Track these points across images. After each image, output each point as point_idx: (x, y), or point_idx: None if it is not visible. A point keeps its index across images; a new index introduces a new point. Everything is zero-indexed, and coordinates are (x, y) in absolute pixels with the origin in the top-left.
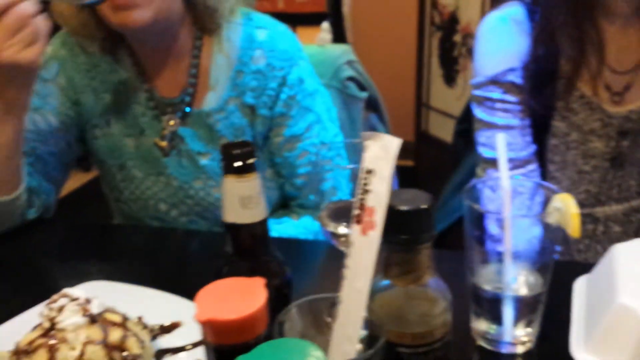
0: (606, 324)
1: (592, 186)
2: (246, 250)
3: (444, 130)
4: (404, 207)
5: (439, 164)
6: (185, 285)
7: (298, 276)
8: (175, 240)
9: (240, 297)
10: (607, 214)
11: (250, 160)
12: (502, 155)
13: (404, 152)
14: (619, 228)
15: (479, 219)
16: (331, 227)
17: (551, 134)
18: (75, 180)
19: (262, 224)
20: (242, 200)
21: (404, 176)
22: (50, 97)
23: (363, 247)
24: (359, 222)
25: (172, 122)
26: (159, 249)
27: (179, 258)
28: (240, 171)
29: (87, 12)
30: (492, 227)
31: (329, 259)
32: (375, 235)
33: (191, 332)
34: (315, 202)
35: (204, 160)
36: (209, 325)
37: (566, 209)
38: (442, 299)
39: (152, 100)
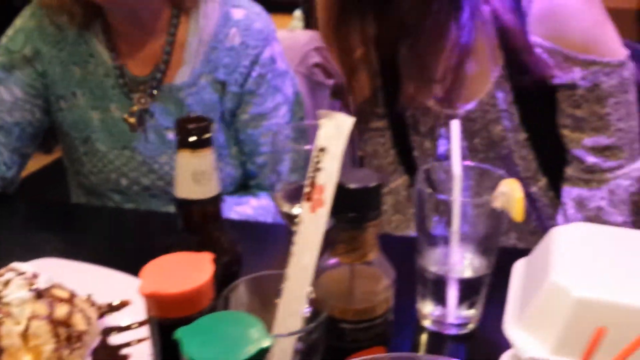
0: (538, 302)
1: None
2: (197, 225)
3: None
4: (352, 185)
5: None
6: (139, 264)
7: (250, 257)
8: (133, 220)
9: (186, 271)
10: None
11: (205, 135)
12: (455, 141)
13: None
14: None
15: (429, 202)
16: (285, 207)
17: (412, 147)
18: (37, 162)
19: (215, 200)
20: (195, 175)
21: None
22: (15, 68)
23: (311, 224)
24: (308, 199)
25: (142, 100)
26: (115, 229)
27: (134, 237)
28: (194, 146)
29: None
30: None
31: (283, 241)
32: (323, 213)
33: (141, 311)
34: (273, 183)
35: (171, 135)
36: (151, 299)
37: (511, 193)
38: (385, 277)
39: (122, 77)
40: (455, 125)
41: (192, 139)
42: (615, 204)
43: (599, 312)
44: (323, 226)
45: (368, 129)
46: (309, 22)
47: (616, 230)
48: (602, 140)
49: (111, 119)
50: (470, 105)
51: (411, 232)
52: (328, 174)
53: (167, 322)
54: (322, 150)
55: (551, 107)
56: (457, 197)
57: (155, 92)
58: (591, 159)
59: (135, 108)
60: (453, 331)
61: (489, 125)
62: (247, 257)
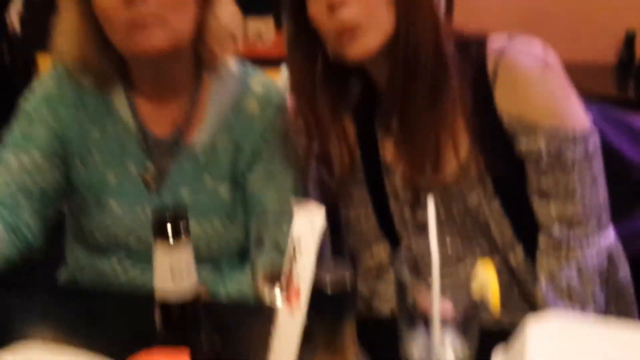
0: None
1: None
2: (175, 320)
3: None
4: (327, 288)
5: None
6: (125, 350)
7: (230, 343)
8: (121, 303)
9: None
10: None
11: (183, 227)
12: (431, 219)
13: None
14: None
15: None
16: (266, 290)
17: (393, 216)
18: None
19: (192, 296)
20: (172, 269)
21: None
22: (34, 133)
23: (288, 318)
24: (285, 289)
25: (161, 160)
26: (101, 312)
27: (121, 322)
28: (172, 238)
29: (92, 41)
30: None
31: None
32: (299, 305)
33: None
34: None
35: (185, 195)
36: None
37: (486, 279)
38: None
39: (143, 137)
40: (430, 205)
41: (169, 230)
42: (584, 283)
43: None
44: (300, 320)
45: (350, 195)
46: None
47: (589, 323)
48: (568, 209)
49: (127, 177)
50: (450, 171)
51: (390, 299)
52: (303, 267)
53: None
54: (297, 240)
55: (522, 175)
56: (436, 281)
57: (172, 151)
58: (557, 230)
59: (152, 167)
60: None
61: (464, 194)
62: (227, 342)
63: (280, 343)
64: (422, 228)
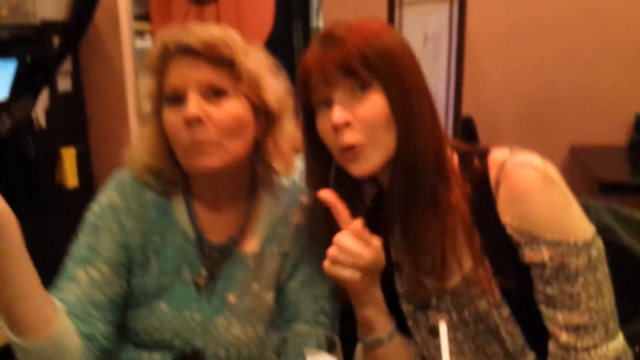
0: None
1: (453, 358)
2: None
3: None
4: None
5: None
6: None
7: None
8: None
9: None
10: None
11: None
12: (444, 344)
13: None
14: None
15: None
16: None
17: (404, 316)
18: None
19: None
20: None
21: None
22: (101, 245)
23: None
24: None
25: (214, 266)
26: None
27: None
28: None
29: (164, 152)
30: None
31: None
32: None
33: None
34: None
35: (232, 299)
36: None
37: None
38: None
39: (200, 244)
40: (442, 328)
41: None
42: None
43: None
44: None
45: None
46: None
47: None
48: (575, 318)
49: (180, 282)
50: (455, 280)
51: None
52: None
53: None
54: None
55: (529, 283)
56: None
57: (225, 258)
58: (565, 337)
59: (205, 272)
60: None
61: (475, 300)
62: None
63: None
64: (433, 332)
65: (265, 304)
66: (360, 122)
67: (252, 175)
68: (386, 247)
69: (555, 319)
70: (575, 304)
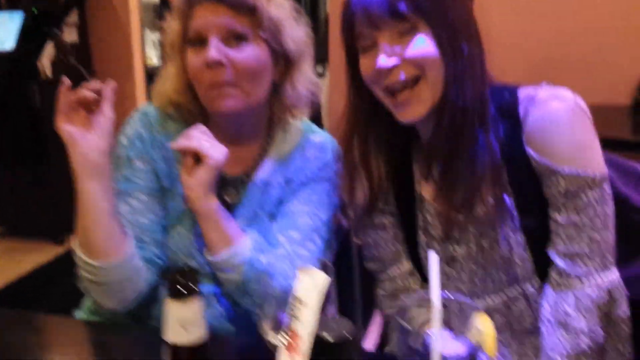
0: None
1: (463, 285)
2: None
3: None
4: (329, 337)
5: None
6: None
7: None
8: (130, 338)
9: None
10: (488, 305)
11: (193, 286)
12: (434, 273)
13: None
14: (502, 318)
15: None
16: (270, 336)
17: (417, 245)
18: (48, 253)
19: (202, 347)
20: (183, 323)
21: None
22: (135, 174)
23: None
24: (287, 347)
25: (226, 196)
26: (110, 347)
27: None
28: (183, 296)
29: (186, 89)
30: None
31: None
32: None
33: None
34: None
35: (240, 225)
36: None
37: (484, 330)
38: None
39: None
40: (433, 258)
41: (181, 290)
42: (580, 311)
43: None
44: None
45: (371, 224)
46: (314, 121)
47: None
48: (574, 248)
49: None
50: (481, 211)
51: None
52: (305, 325)
53: None
54: (299, 302)
55: (546, 213)
56: (437, 330)
57: (238, 189)
58: (561, 263)
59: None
60: None
61: (496, 226)
62: None
63: None
64: (450, 261)
65: (267, 228)
66: (409, 63)
67: (269, 115)
68: (410, 182)
69: (557, 245)
70: (578, 234)
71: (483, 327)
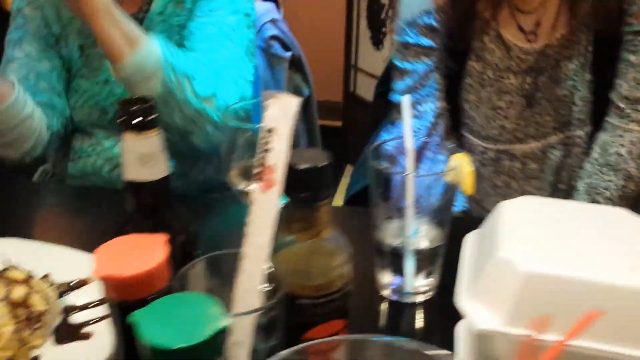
0: (487, 276)
1: (507, 122)
2: (147, 207)
3: (371, 92)
4: (303, 166)
5: (367, 125)
6: (98, 243)
7: (205, 233)
8: (94, 198)
9: (140, 253)
10: (525, 151)
11: (150, 117)
12: (406, 115)
13: (332, 113)
14: (536, 165)
15: (382, 177)
16: (240, 185)
17: (467, 74)
18: None
19: (163, 182)
20: (142, 157)
21: (332, 136)
22: (27, 24)
23: (264, 204)
24: (259, 179)
25: None
26: (76, 207)
27: (95, 216)
28: (140, 128)
29: None
30: None
31: (237, 215)
32: (275, 193)
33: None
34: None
35: None
36: (107, 282)
37: (461, 168)
38: (341, 252)
39: None
40: (406, 100)
41: (137, 121)
42: (633, 155)
43: (547, 286)
44: (276, 206)
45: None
46: None
47: (565, 203)
48: (638, 92)
49: (96, 54)
50: (550, 41)
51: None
52: (277, 154)
53: (124, 304)
54: (269, 131)
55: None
56: (410, 171)
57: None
58: (622, 104)
59: None
60: (411, 300)
61: (561, 62)
62: (202, 235)
63: (255, 228)
64: (501, 92)
65: None
66: None
67: None
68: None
69: (620, 88)
70: None
71: (460, 165)
